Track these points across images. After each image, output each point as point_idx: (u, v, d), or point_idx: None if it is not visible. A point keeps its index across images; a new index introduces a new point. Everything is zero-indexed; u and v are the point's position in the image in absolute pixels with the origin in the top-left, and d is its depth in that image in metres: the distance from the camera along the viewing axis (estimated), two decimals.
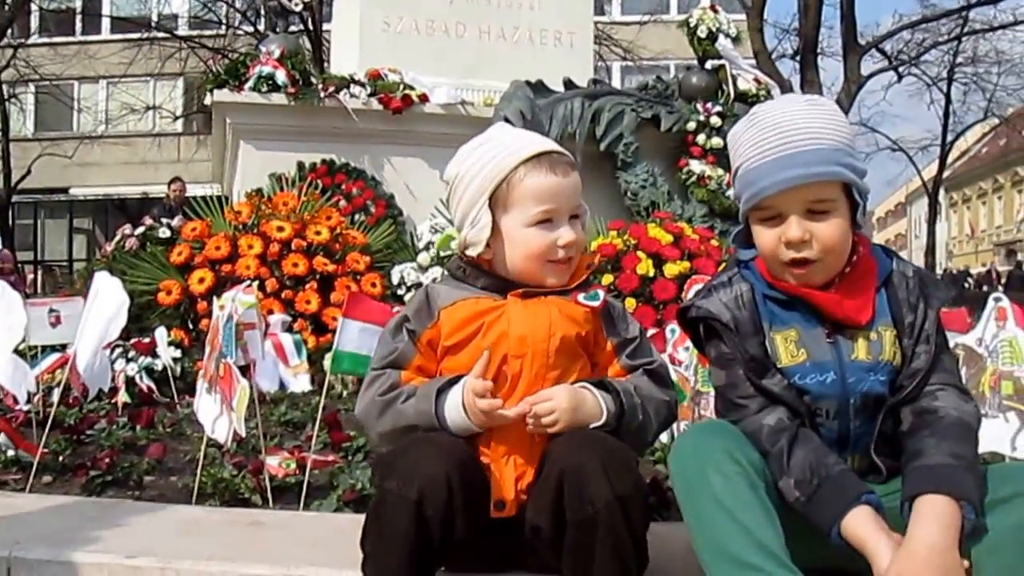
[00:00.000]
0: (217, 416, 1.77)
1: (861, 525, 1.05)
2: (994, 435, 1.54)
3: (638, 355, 1.32)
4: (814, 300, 1.18)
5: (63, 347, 2.67)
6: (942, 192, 25.49)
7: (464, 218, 1.31)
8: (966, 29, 16.75)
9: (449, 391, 1.23)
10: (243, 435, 1.76)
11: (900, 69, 17.56)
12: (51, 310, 2.59)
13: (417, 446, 1.18)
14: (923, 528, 1.03)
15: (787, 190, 1.15)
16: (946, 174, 23.51)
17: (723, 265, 1.32)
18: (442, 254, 3.85)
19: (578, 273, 1.33)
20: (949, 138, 21.15)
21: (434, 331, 1.29)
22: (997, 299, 1.59)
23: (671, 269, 3.90)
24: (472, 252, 1.30)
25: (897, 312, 1.21)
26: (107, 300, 2.06)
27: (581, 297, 1.29)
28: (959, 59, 18.49)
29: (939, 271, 25.17)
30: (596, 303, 1.29)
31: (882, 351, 1.19)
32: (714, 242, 4.18)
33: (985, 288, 18.16)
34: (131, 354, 2.99)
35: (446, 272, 1.39)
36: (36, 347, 2.77)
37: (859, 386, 1.18)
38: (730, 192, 4.61)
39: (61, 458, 2.09)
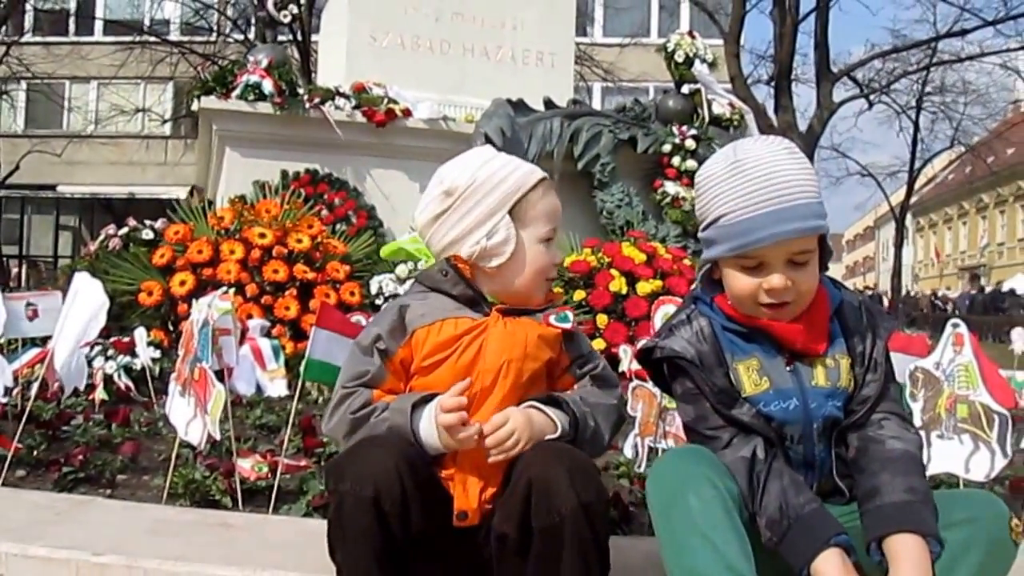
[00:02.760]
0: (191, 419, 1.79)
1: (830, 568, 1.07)
2: (949, 456, 1.57)
3: (586, 363, 1.36)
4: (773, 331, 1.21)
5: (44, 342, 2.69)
6: (909, 217, 26.04)
7: (477, 227, 1.29)
8: (935, 60, 17.20)
9: (424, 407, 1.22)
10: (217, 438, 1.78)
11: (871, 97, 17.97)
12: (28, 304, 2.61)
13: (364, 447, 1.19)
14: (905, 567, 1.06)
15: (778, 242, 1.16)
16: (913, 200, 23.99)
17: (694, 285, 1.33)
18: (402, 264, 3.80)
19: (548, 295, 1.37)
20: (917, 165, 21.66)
21: (406, 351, 1.28)
22: (955, 325, 1.61)
23: (644, 287, 3.98)
24: (495, 263, 1.29)
25: (850, 340, 1.25)
26: (87, 301, 2.07)
27: (553, 319, 1.32)
28: (928, 88, 18.99)
29: (906, 293, 25.64)
30: (567, 325, 1.32)
31: (839, 378, 1.23)
32: (687, 261, 4.26)
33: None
34: (110, 352, 3.00)
35: (415, 281, 1.36)
36: (17, 341, 2.77)
37: (820, 411, 1.21)
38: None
39: (36, 453, 2.09)
